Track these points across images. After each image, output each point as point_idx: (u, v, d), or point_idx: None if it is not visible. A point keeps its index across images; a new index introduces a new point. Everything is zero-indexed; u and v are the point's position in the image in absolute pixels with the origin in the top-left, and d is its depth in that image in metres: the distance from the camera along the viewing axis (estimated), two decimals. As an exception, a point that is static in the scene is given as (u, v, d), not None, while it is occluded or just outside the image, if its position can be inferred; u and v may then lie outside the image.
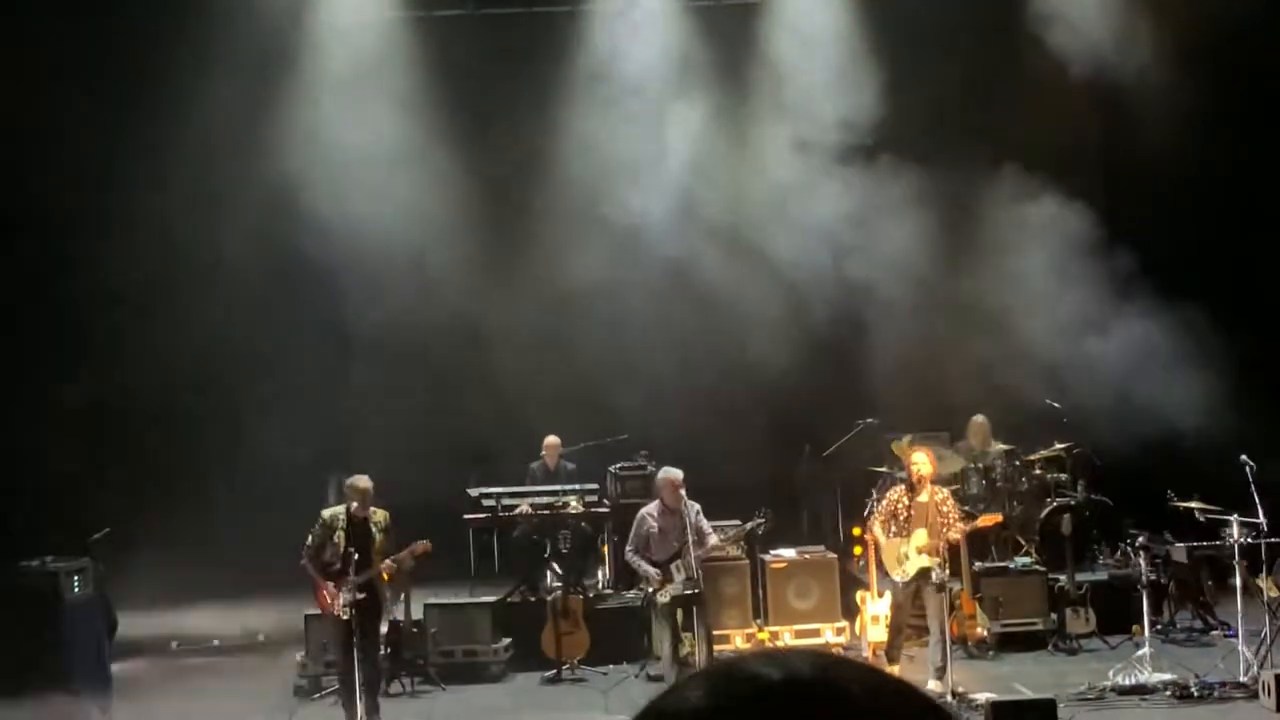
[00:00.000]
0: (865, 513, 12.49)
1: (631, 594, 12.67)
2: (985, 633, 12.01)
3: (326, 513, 10.51)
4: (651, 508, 11.31)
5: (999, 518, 12.15)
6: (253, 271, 13.64)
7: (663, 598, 10.96)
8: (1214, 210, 14.19)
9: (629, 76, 14.57)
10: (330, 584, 10.23)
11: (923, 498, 10.66)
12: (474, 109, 14.70)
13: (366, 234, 13.81)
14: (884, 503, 11.08)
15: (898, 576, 10.69)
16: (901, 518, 10.68)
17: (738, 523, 11.94)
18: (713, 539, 11.18)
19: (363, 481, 10.41)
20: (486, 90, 14.71)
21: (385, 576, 10.53)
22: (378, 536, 10.40)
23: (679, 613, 11.10)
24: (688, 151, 14.62)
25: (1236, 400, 12.22)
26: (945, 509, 10.71)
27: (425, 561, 11.00)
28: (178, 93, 13.60)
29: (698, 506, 11.20)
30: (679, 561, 10.92)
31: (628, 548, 11.32)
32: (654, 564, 11.06)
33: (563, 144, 14.59)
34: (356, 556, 10.22)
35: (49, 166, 13.39)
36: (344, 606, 10.11)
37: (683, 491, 11.11)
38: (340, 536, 10.33)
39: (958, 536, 10.95)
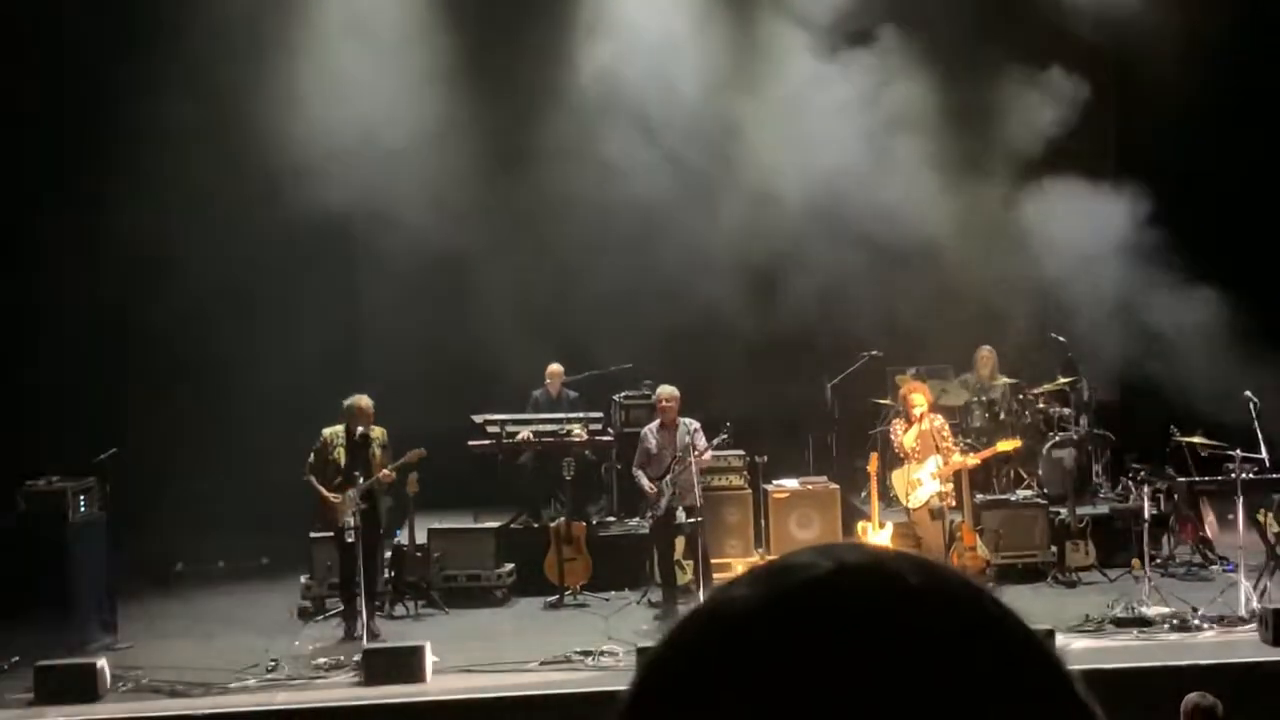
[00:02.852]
0: (869, 445, 12.55)
1: (635, 521, 12.75)
2: (985, 564, 12.07)
3: (326, 431, 10.94)
4: (652, 425, 11.70)
5: (1018, 443, 12.23)
6: (254, 193, 13.48)
7: (655, 511, 11.33)
8: (1224, 137, 14.01)
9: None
10: (333, 495, 10.70)
11: (924, 426, 11.26)
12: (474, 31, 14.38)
13: (367, 156, 13.58)
14: (894, 437, 11.54)
15: (909, 503, 11.19)
16: (906, 449, 11.29)
17: (740, 451, 12.41)
18: (699, 449, 11.33)
19: (364, 401, 10.91)
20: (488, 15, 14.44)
21: (384, 481, 10.87)
22: (376, 452, 10.87)
23: (680, 540, 11.33)
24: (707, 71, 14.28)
25: (1242, 334, 12.17)
26: (945, 433, 11.36)
27: (422, 469, 11.19)
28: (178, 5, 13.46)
29: (696, 425, 11.47)
30: (669, 477, 11.23)
31: (634, 464, 11.65)
32: (651, 480, 11.42)
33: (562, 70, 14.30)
34: (361, 479, 10.61)
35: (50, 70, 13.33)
36: (349, 529, 10.41)
37: (676, 408, 11.43)
38: (340, 453, 10.82)
39: (976, 461, 11.49)
